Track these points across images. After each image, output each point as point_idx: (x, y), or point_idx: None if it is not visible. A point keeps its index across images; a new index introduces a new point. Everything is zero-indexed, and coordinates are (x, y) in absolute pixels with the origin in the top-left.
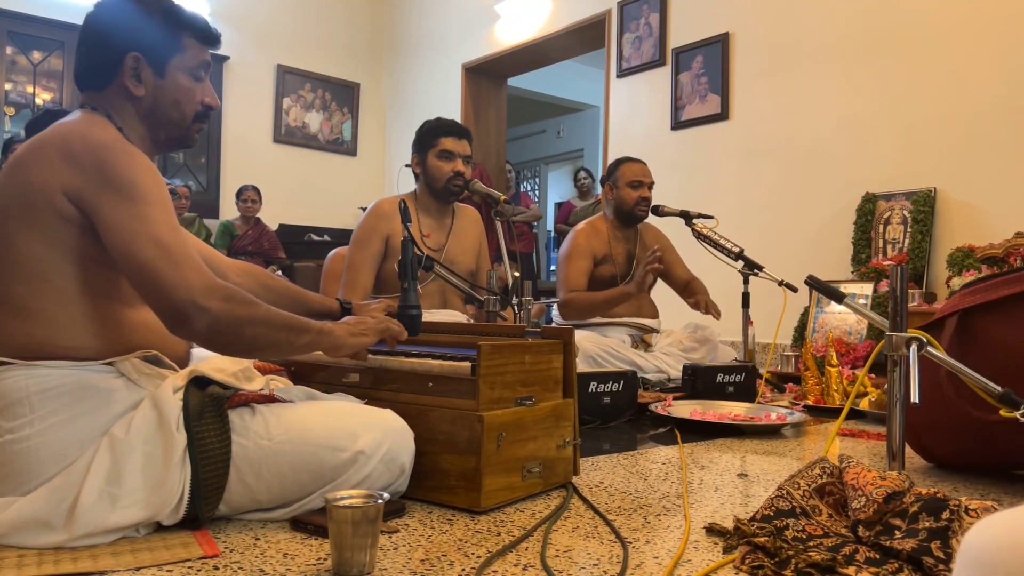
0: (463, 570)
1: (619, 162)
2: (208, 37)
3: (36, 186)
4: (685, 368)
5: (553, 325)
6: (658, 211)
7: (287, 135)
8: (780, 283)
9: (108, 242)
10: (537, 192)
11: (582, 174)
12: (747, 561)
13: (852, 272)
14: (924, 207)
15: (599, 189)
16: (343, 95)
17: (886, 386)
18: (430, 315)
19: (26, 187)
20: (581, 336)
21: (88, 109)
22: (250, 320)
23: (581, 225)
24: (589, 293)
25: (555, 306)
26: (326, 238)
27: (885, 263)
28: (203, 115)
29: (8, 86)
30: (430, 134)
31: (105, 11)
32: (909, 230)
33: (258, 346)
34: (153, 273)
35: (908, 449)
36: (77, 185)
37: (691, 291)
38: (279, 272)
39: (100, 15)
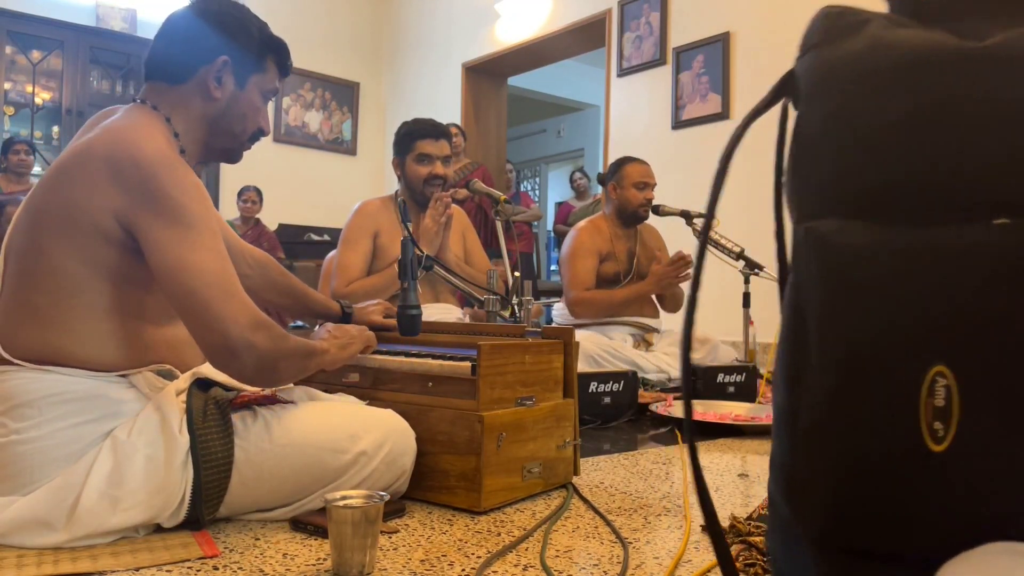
0: (463, 570)
1: (623, 162)
2: (285, 66)
3: (81, 204)
4: None
5: (553, 325)
6: (658, 211)
7: (287, 134)
8: None
9: (155, 267)
10: (537, 192)
11: (577, 175)
12: (741, 559)
13: None
14: None
15: (596, 189)
16: (343, 94)
17: None
18: (423, 310)
19: (70, 203)
20: (582, 336)
21: (148, 107)
22: (285, 354)
23: (583, 223)
24: (606, 291)
25: (555, 305)
26: (326, 237)
27: None
28: (255, 137)
29: (7, 85)
30: (407, 138)
31: (209, 7)
32: None
33: (286, 378)
34: (203, 305)
35: None
36: (124, 205)
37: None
38: None
39: (204, 9)
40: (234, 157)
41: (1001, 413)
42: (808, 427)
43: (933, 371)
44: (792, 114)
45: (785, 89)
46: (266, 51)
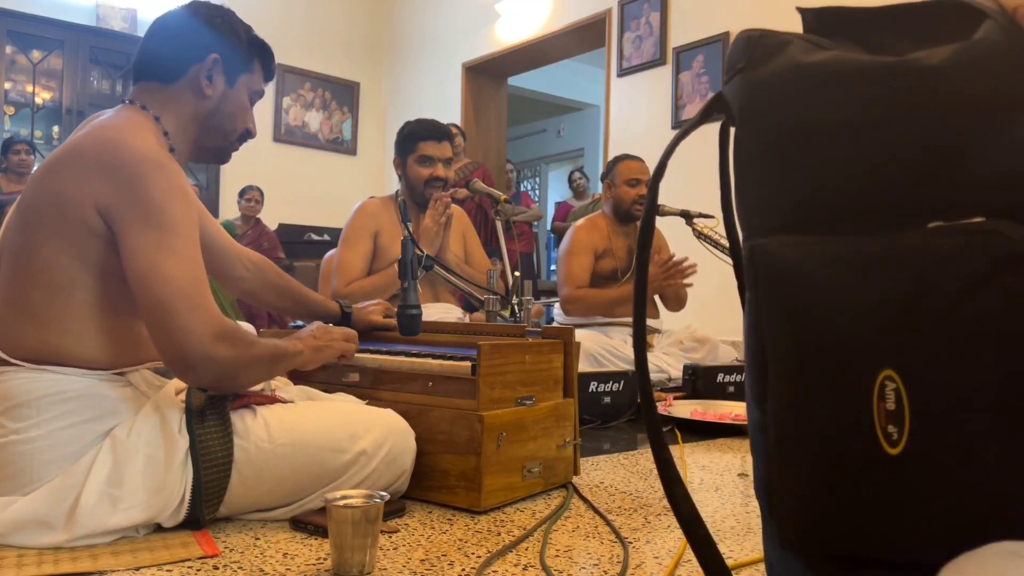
0: (463, 570)
1: (617, 160)
2: (270, 70)
3: (70, 196)
4: (685, 368)
5: (554, 324)
6: (658, 211)
7: (287, 134)
8: None
9: (127, 270)
10: (537, 192)
11: (576, 175)
12: None
13: None
14: None
15: (596, 188)
16: (343, 94)
17: None
18: (423, 310)
19: (60, 196)
20: (582, 335)
21: (137, 107)
22: (247, 363)
23: (581, 221)
24: (597, 290)
25: (556, 305)
26: (326, 237)
27: None
28: (244, 138)
29: (8, 85)
30: (410, 138)
31: (198, 9)
32: None
33: (248, 383)
34: (166, 314)
35: None
36: (107, 200)
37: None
38: None
39: (193, 12)
40: (223, 157)
41: (948, 413)
42: (776, 440)
43: (882, 375)
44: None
45: (713, 112)
46: (253, 52)
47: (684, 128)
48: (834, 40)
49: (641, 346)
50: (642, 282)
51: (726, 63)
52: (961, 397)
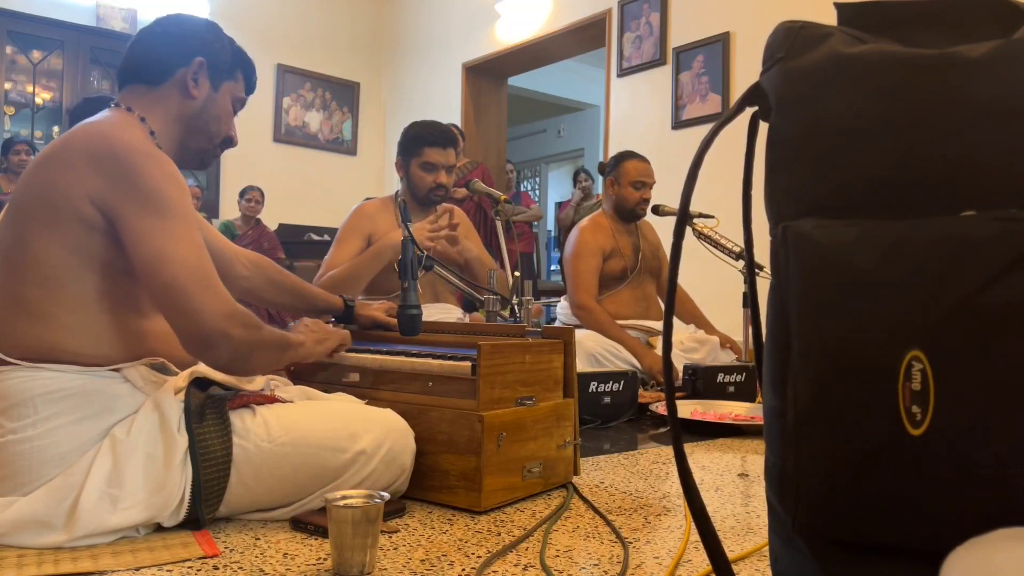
0: (463, 570)
1: (623, 157)
2: (252, 83)
3: (60, 189)
4: (686, 368)
5: (556, 324)
6: (658, 211)
7: (287, 134)
8: None
9: (134, 257)
10: (537, 192)
11: (582, 176)
12: None
13: None
14: None
15: (598, 189)
16: (343, 94)
17: None
18: (423, 310)
19: (50, 190)
20: (584, 335)
21: (123, 109)
22: (259, 345)
23: (585, 222)
24: (608, 318)
25: (556, 305)
26: (326, 237)
27: None
28: (226, 144)
29: (8, 85)
30: (416, 142)
31: (184, 18)
32: None
33: (259, 368)
34: (181, 295)
35: None
36: (103, 191)
37: (700, 321)
38: None
39: (179, 19)
40: (205, 161)
41: (972, 395)
42: (794, 422)
43: (909, 356)
44: (762, 127)
45: (751, 101)
46: (236, 62)
47: (721, 119)
48: (871, 35)
49: (668, 353)
50: (671, 298)
51: (765, 53)
52: (986, 380)
